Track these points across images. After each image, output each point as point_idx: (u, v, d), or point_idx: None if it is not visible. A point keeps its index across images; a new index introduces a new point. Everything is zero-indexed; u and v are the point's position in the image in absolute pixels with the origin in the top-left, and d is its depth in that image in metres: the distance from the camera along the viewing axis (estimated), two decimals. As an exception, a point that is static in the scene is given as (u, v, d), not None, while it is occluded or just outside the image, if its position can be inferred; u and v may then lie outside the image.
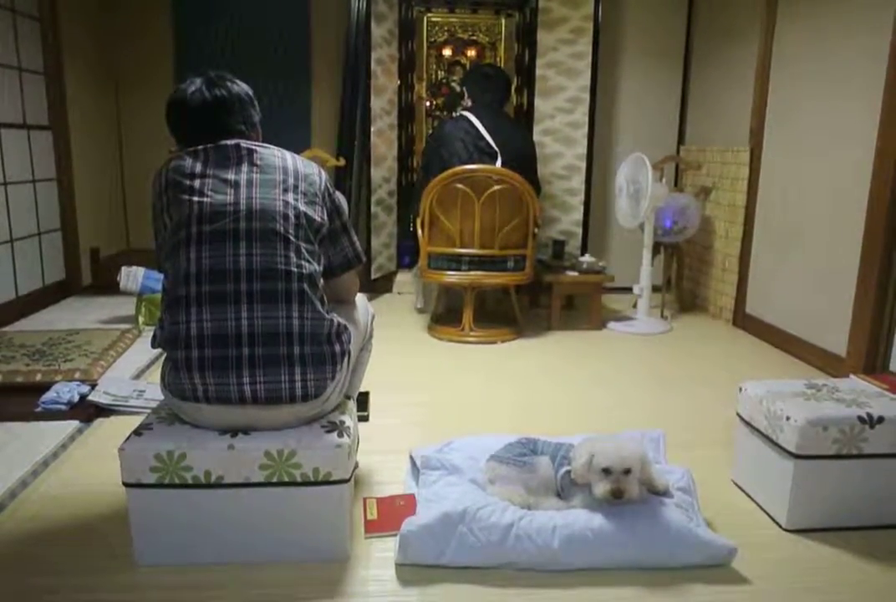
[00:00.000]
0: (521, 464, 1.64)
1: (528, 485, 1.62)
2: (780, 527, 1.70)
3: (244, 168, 1.57)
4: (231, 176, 1.55)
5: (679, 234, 3.81)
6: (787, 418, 1.67)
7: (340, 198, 1.72)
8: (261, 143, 1.64)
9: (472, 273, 3.28)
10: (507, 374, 2.90)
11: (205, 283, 1.49)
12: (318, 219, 1.60)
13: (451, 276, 3.30)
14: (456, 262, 3.29)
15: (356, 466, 1.95)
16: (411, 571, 1.50)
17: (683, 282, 4.17)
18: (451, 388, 2.70)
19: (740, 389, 1.89)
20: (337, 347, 1.56)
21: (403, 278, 4.41)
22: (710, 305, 3.97)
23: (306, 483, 1.49)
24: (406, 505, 1.71)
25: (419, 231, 3.35)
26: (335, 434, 1.52)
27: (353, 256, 1.72)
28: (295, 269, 1.52)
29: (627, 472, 1.53)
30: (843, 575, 1.52)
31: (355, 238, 1.73)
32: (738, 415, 1.91)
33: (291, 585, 1.46)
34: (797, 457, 1.65)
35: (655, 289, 3.83)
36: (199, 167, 1.57)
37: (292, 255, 1.53)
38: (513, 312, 3.55)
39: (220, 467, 1.47)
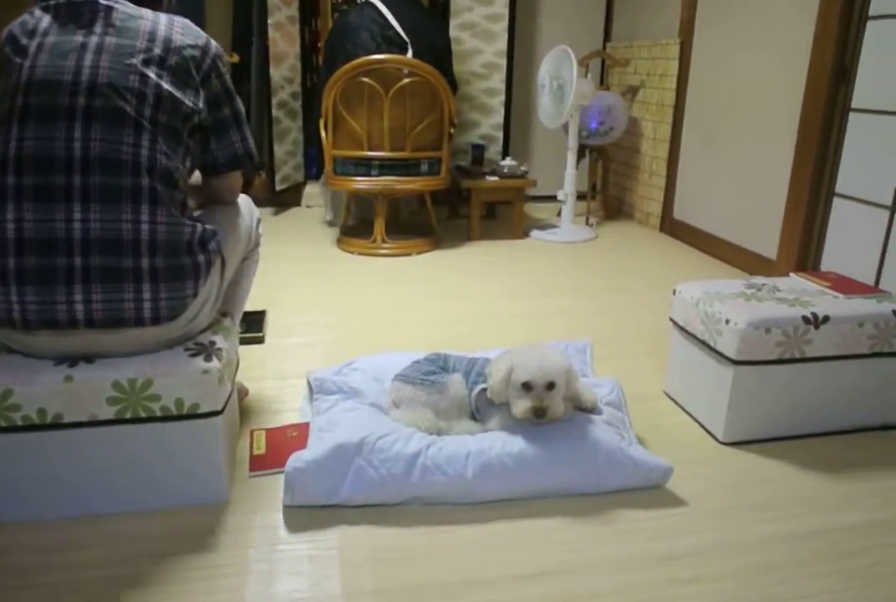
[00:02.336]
0: (430, 383, 1.42)
1: (438, 407, 1.41)
2: (717, 440, 1.55)
3: (97, 29, 1.25)
4: (78, 38, 1.23)
5: (605, 135, 3.56)
6: (727, 321, 1.49)
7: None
8: (128, 3, 1.29)
9: (382, 178, 2.97)
10: (422, 287, 2.66)
11: (27, 173, 1.17)
12: (190, 103, 1.28)
13: (360, 183, 2.99)
14: (364, 166, 2.97)
15: (245, 394, 1.71)
16: (302, 514, 1.28)
17: (609, 188, 3.97)
18: (361, 305, 2.45)
19: (674, 292, 1.70)
20: (201, 257, 1.27)
21: (313, 190, 4.06)
22: (637, 212, 3.79)
23: (168, 418, 1.23)
24: (299, 436, 1.48)
25: (322, 133, 3.00)
26: (202, 358, 1.25)
27: (242, 153, 1.41)
28: (146, 162, 1.21)
29: (551, 386, 1.33)
30: (783, 489, 1.38)
31: (248, 133, 1.42)
32: (671, 320, 1.73)
33: (159, 538, 1.22)
34: (737, 363, 1.48)
35: (580, 197, 3.61)
36: (44, 24, 1.26)
37: (145, 144, 1.21)
38: (429, 222, 3.29)
39: (58, 404, 1.20)
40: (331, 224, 3.59)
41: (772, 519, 1.28)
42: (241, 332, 2.12)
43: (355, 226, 3.38)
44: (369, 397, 1.49)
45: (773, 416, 1.54)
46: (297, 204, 4.07)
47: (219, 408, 1.26)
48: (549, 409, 1.32)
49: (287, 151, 3.87)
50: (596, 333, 2.13)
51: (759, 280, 1.72)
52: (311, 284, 2.66)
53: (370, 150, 2.95)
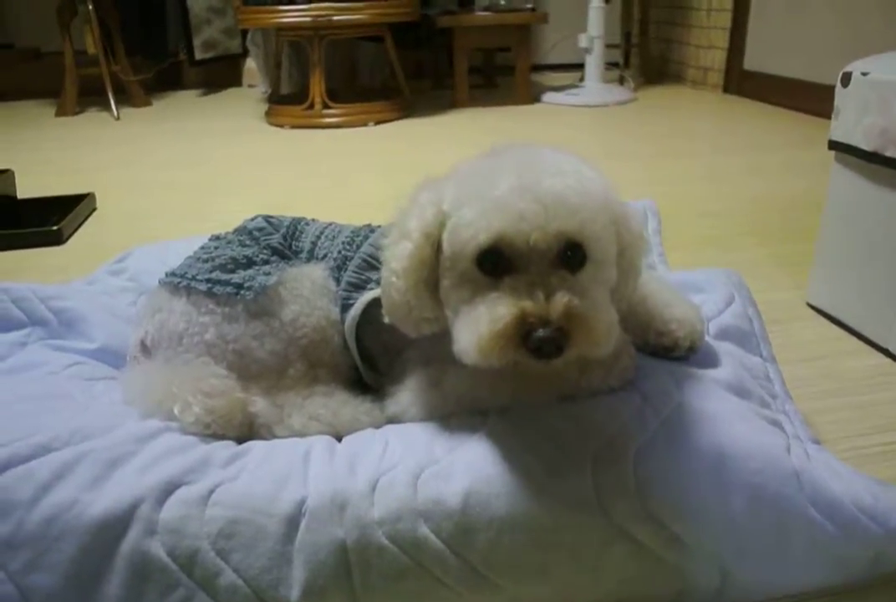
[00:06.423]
0: (232, 290, 0.51)
1: (251, 353, 0.50)
2: None
3: None
4: None
5: (644, -43, 2.52)
6: None
7: None
8: None
9: (314, 6, 1.99)
10: (368, 168, 1.71)
11: None
12: None
13: (283, 15, 2.01)
14: (287, -10, 1.99)
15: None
16: None
17: (650, 42, 2.93)
18: (259, 194, 1.53)
19: (846, 79, 0.75)
20: None
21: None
22: (690, 69, 2.76)
23: None
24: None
25: (224, -56, 2.02)
26: None
27: None
28: None
29: (573, 251, 0.41)
30: None
31: None
32: (833, 146, 0.79)
33: None
34: None
35: (611, 63, 2.60)
36: None
37: None
38: (395, 81, 2.31)
39: None
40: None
41: None
42: (20, 228, 1.24)
43: (295, 94, 2.42)
44: (99, 335, 0.58)
45: None
46: (237, 84, 3.10)
47: None
48: (575, 317, 0.39)
49: (210, 8, 2.86)
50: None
51: None
52: (206, 166, 1.74)
53: (293, -38, 1.96)
